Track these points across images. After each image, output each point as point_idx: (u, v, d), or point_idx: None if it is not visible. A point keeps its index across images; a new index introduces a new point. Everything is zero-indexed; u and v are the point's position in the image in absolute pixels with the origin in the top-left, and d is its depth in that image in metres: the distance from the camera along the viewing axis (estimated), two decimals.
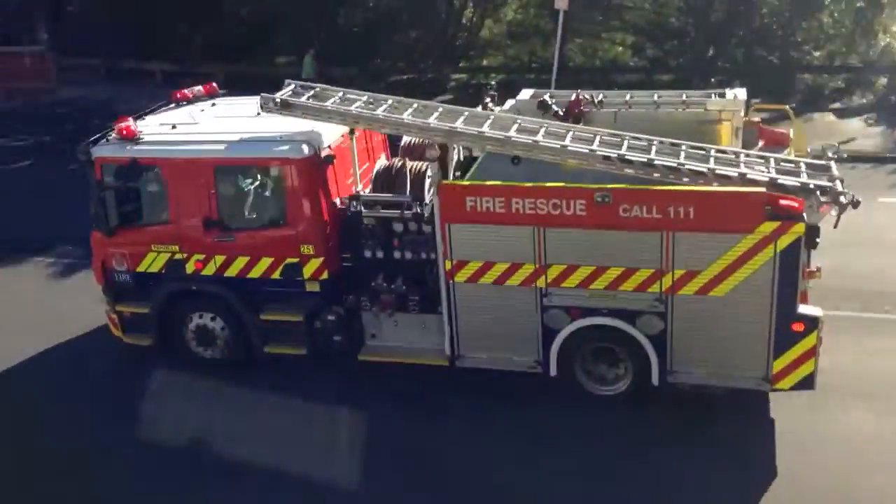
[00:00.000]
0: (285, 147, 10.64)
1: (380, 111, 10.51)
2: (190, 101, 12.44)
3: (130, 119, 11.22)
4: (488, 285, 10.17)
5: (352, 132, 11.21)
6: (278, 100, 10.68)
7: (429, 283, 10.68)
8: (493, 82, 17.84)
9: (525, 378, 10.60)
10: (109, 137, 11.23)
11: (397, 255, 10.76)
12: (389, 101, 10.73)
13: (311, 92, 10.88)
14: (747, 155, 9.87)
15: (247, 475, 9.66)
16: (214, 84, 12.84)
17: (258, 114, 11.09)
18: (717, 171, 9.40)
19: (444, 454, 9.89)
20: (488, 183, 9.93)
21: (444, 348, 10.66)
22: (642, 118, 10.68)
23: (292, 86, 10.98)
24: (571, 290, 9.97)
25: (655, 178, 9.48)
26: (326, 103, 10.67)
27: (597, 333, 10.18)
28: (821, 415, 10.07)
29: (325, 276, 10.95)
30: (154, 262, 11.40)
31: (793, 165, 9.72)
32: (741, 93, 10.98)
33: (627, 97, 11.19)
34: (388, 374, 11.13)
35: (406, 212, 10.52)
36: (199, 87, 12.66)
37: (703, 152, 9.72)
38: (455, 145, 10.85)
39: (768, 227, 9.07)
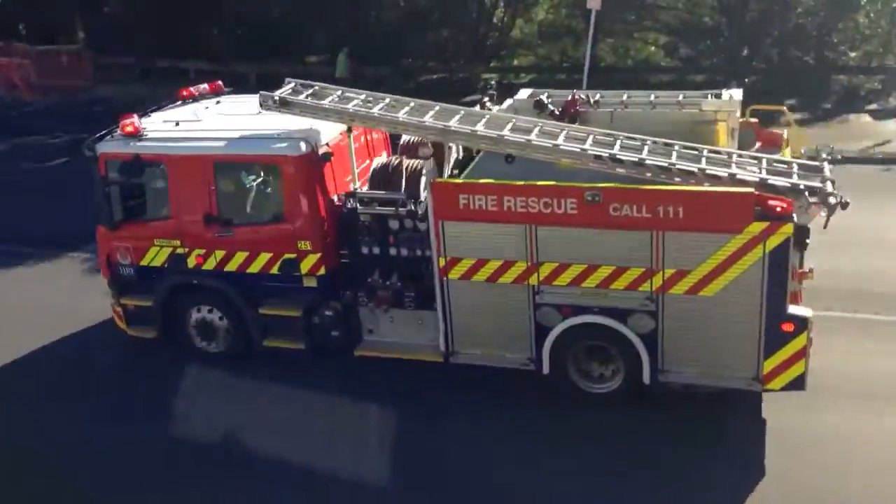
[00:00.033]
0: (283, 144, 10.77)
1: (376, 110, 10.59)
2: (195, 99, 12.62)
3: (135, 116, 11.41)
4: (481, 282, 10.20)
5: (349, 130, 11.30)
6: (277, 98, 10.80)
7: (424, 279, 10.73)
8: (492, 82, 17.88)
9: (524, 377, 10.58)
10: (114, 134, 11.44)
11: (393, 251, 10.86)
12: (387, 100, 10.82)
13: (310, 90, 10.99)
14: (740, 155, 9.79)
15: (247, 472, 9.74)
16: (220, 82, 13.00)
17: (260, 112, 11.22)
18: (708, 171, 9.34)
19: (444, 454, 9.90)
20: (481, 181, 9.97)
21: (439, 345, 10.72)
22: (638, 118, 10.61)
23: (292, 84, 11.10)
24: (563, 287, 9.97)
25: (647, 178, 9.45)
26: (324, 101, 10.77)
27: (588, 331, 10.15)
28: (813, 415, 9.96)
29: (322, 271, 11.05)
30: (157, 256, 11.60)
31: (785, 166, 9.64)
32: (737, 93, 10.88)
33: (624, 97, 11.14)
34: (385, 370, 11.17)
35: (401, 209, 10.60)
36: (205, 85, 12.83)
37: (696, 152, 9.65)
38: (454, 144, 10.92)
39: (757, 227, 9.00)
